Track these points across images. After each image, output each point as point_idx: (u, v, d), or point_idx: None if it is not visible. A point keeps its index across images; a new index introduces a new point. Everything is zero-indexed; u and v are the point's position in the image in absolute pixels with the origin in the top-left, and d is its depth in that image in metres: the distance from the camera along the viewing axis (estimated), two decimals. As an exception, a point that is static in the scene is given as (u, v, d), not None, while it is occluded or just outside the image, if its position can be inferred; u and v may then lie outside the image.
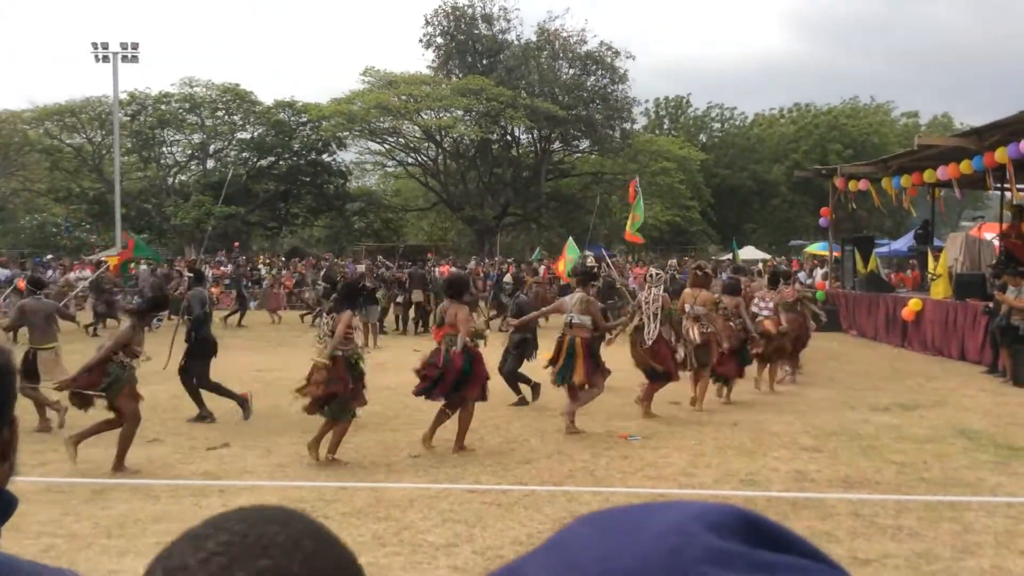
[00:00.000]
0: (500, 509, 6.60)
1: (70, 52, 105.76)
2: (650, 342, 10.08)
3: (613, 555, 0.58)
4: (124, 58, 40.21)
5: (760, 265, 32.16)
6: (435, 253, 41.15)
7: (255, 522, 0.72)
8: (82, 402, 7.94)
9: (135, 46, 40.47)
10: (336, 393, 7.90)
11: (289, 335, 20.88)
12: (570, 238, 20.24)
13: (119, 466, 7.75)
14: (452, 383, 8.33)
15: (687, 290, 11.21)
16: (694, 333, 10.63)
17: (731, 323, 11.20)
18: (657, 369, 10.21)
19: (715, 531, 0.57)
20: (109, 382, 7.78)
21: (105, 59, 40.09)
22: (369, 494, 7.03)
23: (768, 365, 12.52)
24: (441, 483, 7.38)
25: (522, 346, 11.54)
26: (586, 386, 9.46)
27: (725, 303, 11.33)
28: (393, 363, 15.46)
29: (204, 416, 10.09)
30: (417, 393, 8.53)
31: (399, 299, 21.76)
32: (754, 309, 12.51)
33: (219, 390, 10.27)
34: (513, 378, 11.33)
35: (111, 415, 7.90)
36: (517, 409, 10.97)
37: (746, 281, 14.46)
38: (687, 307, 10.84)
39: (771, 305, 12.78)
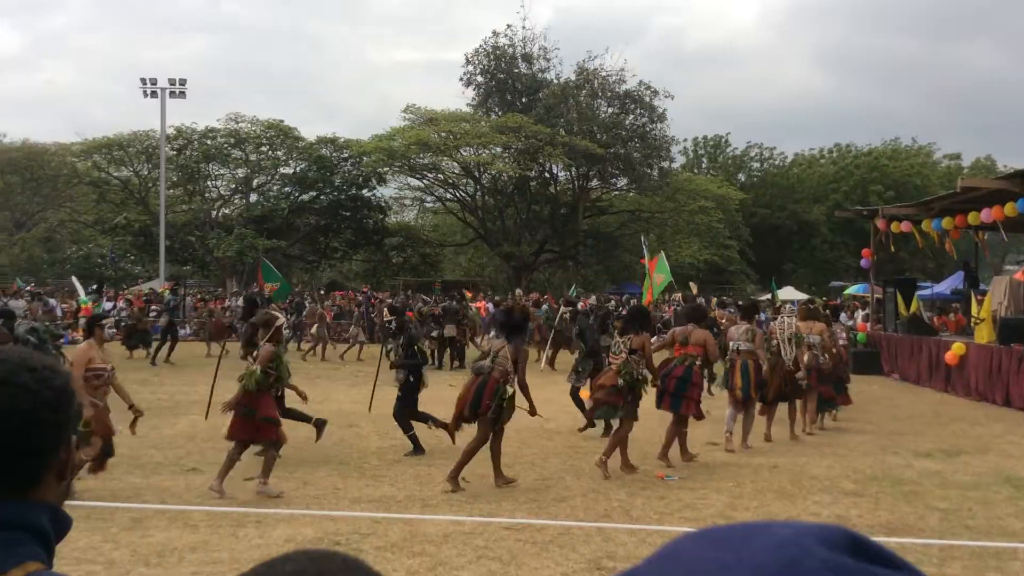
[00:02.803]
0: (535, 547, 6.55)
1: (120, 87, 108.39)
2: (790, 364, 11.43)
3: (732, 565, 0.61)
4: (172, 94, 41.23)
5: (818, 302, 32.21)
6: (472, 289, 41.31)
7: (311, 566, 0.75)
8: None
9: (183, 82, 41.50)
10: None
11: (327, 368, 21.02)
12: (661, 253, 20.43)
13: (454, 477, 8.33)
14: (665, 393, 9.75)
15: (800, 322, 12.27)
16: (806, 359, 11.83)
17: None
18: (793, 391, 11.54)
19: (827, 545, 0.61)
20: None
21: (153, 94, 41.13)
22: (404, 528, 7.02)
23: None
24: (476, 518, 7.36)
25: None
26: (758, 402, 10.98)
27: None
28: (428, 398, 15.49)
29: None
30: (660, 406, 9.88)
31: (434, 334, 21.80)
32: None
33: None
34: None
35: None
36: (552, 446, 10.91)
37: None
38: (804, 336, 11.96)
39: (844, 336, 14.30)
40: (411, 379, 10.69)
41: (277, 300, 23.52)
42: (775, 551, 0.61)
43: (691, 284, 36.09)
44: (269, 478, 8.06)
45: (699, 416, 9.96)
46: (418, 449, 10.28)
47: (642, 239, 25.37)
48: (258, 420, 8.03)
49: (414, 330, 11.42)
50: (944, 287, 31.73)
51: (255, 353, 8.51)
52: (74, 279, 26.48)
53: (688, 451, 10.02)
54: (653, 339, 10.12)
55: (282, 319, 8.86)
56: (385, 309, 15.88)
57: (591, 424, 11.20)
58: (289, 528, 6.98)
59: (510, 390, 8.39)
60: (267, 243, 42.71)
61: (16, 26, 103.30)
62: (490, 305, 30.15)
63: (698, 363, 10.01)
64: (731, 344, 11.08)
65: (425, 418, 10.58)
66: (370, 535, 6.78)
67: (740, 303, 16.54)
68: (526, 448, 10.64)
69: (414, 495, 8.17)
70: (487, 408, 8.25)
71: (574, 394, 11.89)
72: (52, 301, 30.49)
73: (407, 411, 10.62)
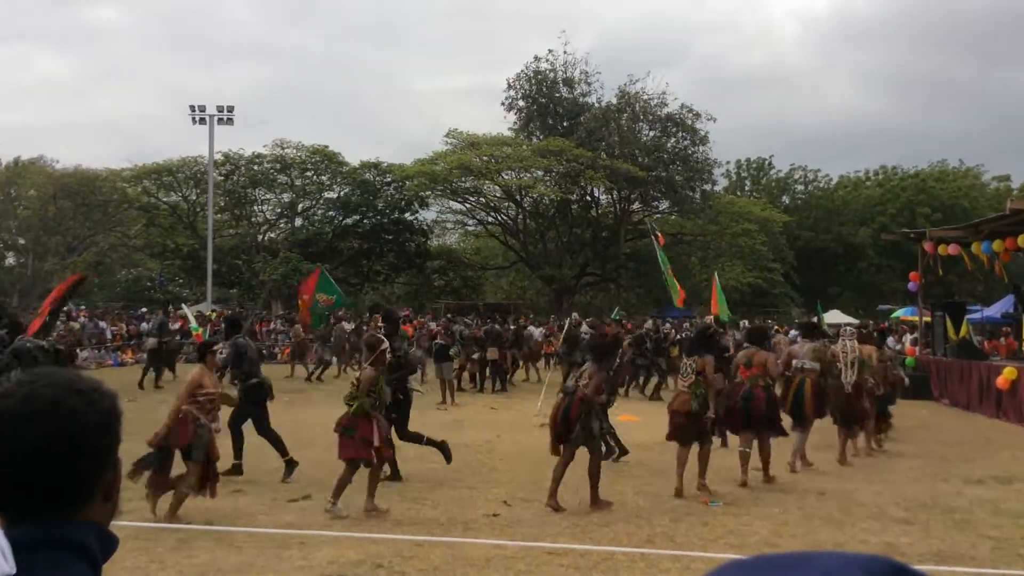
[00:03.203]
0: (578, 572, 6.51)
1: (169, 114, 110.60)
2: (849, 387, 11.63)
3: None
4: (220, 120, 42.02)
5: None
6: (514, 311, 41.29)
7: None
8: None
9: (230, 109, 42.29)
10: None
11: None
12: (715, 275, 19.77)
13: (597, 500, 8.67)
14: (756, 416, 10.08)
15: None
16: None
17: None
18: (853, 414, 11.73)
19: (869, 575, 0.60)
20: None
21: (202, 121, 41.96)
22: (446, 551, 7.01)
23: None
24: (518, 542, 7.33)
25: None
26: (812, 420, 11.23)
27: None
28: (470, 420, 15.54)
29: None
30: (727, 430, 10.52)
31: (475, 356, 21.81)
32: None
33: None
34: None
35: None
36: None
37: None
38: (865, 360, 12.19)
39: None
40: (400, 397, 10.31)
41: (331, 312, 23.47)
42: None
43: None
44: (340, 497, 8.19)
45: (781, 432, 10.40)
46: (446, 455, 10.27)
47: (649, 224, 24.61)
48: (357, 439, 8.23)
49: (398, 343, 11.00)
50: (994, 310, 31.10)
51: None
52: (185, 307, 26.06)
53: (745, 476, 10.03)
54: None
55: (387, 343, 9.02)
56: (378, 315, 15.77)
57: (623, 451, 11.28)
58: (332, 550, 7.01)
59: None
60: (312, 266, 43.15)
61: (68, 55, 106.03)
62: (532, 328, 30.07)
63: (760, 383, 10.28)
64: (795, 362, 11.43)
65: (419, 438, 10.42)
66: (412, 558, 6.78)
67: (799, 323, 16.60)
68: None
69: (456, 518, 8.17)
70: (575, 425, 8.55)
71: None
72: (102, 323, 31.10)
73: (404, 429, 10.47)
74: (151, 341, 22.25)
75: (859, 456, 12.11)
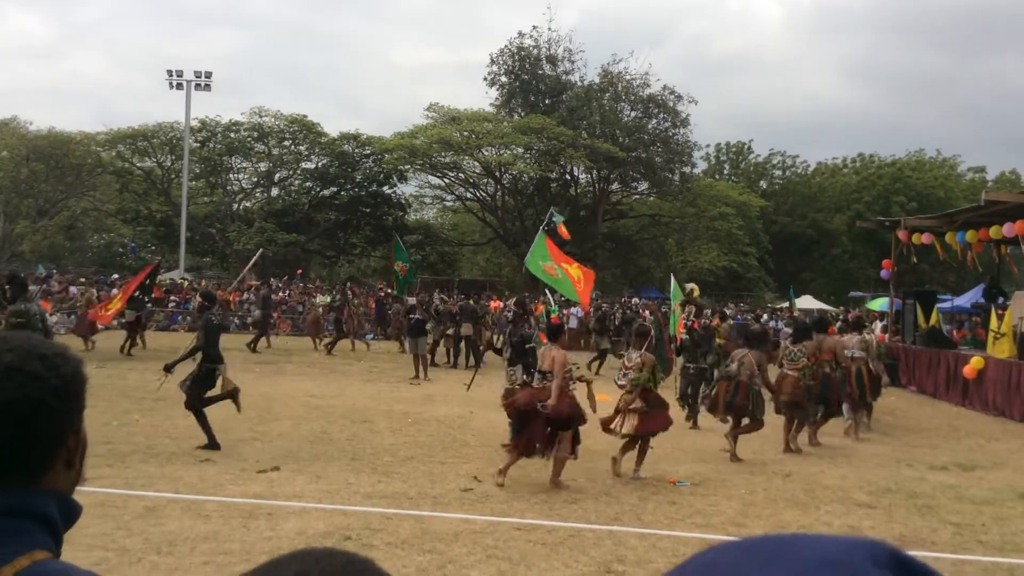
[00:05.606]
0: (545, 548, 6.55)
1: (146, 79, 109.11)
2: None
3: None
4: (197, 86, 41.46)
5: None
6: (490, 288, 41.30)
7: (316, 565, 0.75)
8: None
9: (208, 75, 41.75)
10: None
11: (342, 363, 21.08)
12: (672, 277, 17.99)
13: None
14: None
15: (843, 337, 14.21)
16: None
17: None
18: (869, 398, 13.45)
19: (875, 563, 0.59)
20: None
21: (179, 86, 41.40)
22: (415, 524, 7.03)
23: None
24: (487, 517, 7.36)
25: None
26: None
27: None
28: (442, 396, 15.54)
29: None
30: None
31: (450, 332, 21.80)
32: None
33: None
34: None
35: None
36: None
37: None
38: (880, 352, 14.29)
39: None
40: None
41: (406, 284, 22.37)
42: (823, 568, 0.58)
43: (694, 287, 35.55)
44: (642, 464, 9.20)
45: (834, 413, 12.21)
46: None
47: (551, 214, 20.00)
48: (663, 411, 9.35)
49: (24, 305, 10.12)
50: (964, 300, 31.46)
51: None
52: (547, 292, 23.76)
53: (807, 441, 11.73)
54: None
55: (653, 332, 10.23)
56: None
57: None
58: (300, 521, 7.01)
59: (757, 387, 10.32)
60: (287, 237, 42.88)
61: (46, 17, 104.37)
62: (503, 304, 30.14)
63: (827, 368, 11.80)
64: (846, 352, 12.82)
65: None
66: (380, 531, 6.79)
67: (849, 317, 18.18)
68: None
69: (425, 492, 8.18)
70: (743, 406, 10.11)
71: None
72: (73, 288, 30.73)
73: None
74: (257, 313, 25.49)
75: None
